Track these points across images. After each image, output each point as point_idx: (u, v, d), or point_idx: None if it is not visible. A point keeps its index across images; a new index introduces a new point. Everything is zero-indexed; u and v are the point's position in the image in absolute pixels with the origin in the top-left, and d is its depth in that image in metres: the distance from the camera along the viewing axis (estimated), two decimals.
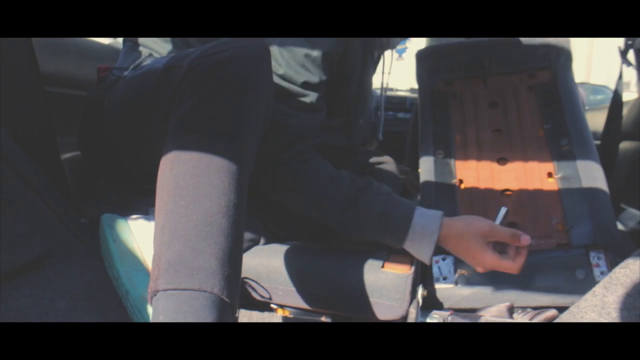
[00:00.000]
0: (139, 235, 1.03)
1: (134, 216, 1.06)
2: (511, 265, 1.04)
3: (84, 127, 1.20)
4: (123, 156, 1.14)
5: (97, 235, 1.05)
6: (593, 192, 1.31)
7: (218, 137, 0.84)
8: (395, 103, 3.11)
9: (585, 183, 1.33)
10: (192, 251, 0.76)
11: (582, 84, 4.06)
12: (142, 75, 1.10)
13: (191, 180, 0.81)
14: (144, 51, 1.24)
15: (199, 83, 0.88)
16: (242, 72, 0.88)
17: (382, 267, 1.16)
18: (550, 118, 1.47)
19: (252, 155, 0.90)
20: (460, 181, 1.41)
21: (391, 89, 3.55)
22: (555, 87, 1.52)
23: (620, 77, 1.71)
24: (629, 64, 1.76)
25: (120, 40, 1.99)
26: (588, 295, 0.88)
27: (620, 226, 1.45)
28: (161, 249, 0.78)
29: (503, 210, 1.09)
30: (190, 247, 0.77)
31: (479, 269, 1.07)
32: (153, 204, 0.87)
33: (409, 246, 1.08)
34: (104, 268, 1.00)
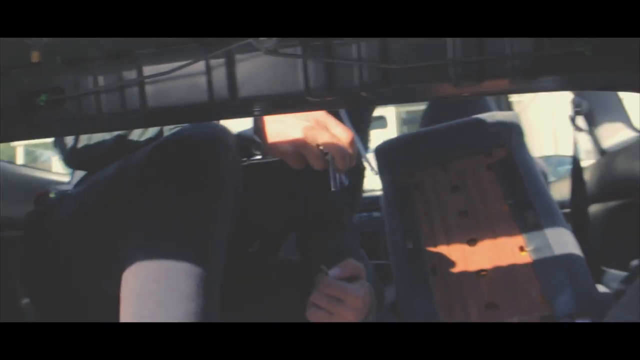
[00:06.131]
0: None
1: None
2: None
3: (25, 256, 1.09)
4: (75, 282, 1.03)
5: None
6: (568, 258, 1.30)
7: (182, 238, 0.78)
8: (368, 204, 3.12)
9: (558, 251, 1.32)
10: None
11: (550, 156, 4.14)
12: (89, 187, 1.02)
13: (155, 286, 0.75)
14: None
15: (156, 177, 0.81)
16: (203, 162, 0.81)
17: None
18: (513, 193, 1.48)
19: (222, 252, 0.82)
20: (433, 269, 1.39)
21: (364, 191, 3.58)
22: (513, 162, 1.53)
23: (576, 143, 1.74)
24: (579, 129, 1.81)
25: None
26: None
27: (604, 288, 1.42)
28: None
29: None
30: None
31: None
32: None
33: None
34: None
